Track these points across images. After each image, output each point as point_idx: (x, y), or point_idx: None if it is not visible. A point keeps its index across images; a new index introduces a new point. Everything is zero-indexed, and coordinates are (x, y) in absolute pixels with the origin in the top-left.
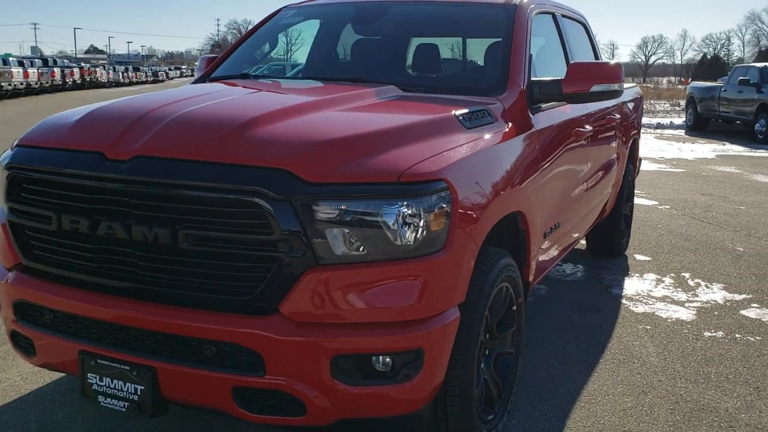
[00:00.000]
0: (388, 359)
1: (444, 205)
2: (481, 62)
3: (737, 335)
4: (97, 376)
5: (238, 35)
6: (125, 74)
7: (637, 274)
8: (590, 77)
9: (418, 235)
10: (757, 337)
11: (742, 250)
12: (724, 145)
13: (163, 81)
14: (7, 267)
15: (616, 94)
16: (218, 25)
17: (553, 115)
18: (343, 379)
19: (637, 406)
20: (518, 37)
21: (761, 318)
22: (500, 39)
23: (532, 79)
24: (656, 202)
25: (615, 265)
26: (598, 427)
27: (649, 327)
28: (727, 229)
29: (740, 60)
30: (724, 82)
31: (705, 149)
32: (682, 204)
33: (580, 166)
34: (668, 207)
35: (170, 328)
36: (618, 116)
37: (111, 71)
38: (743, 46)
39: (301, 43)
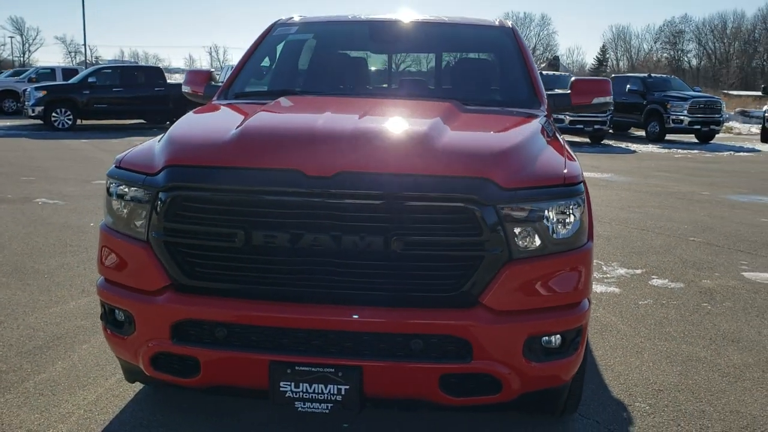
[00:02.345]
0: (561, 337)
1: (584, 203)
2: (505, 79)
3: (663, 301)
4: (292, 384)
5: (21, 37)
6: None
7: None
8: (590, 91)
9: (577, 229)
10: (676, 301)
11: (606, 234)
12: None
13: None
14: (151, 290)
15: (608, 105)
16: None
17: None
18: (532, 357)
19: (644, 363)
20: (526, 56)
21: (667, 286)
22: (511, 58)
23: (548, 93)
24: None
25: None
26: (632, 382)
27: (595, 301)
28: None
29: None
30: None
31: None
32: None
33: None
34: None
35: (380, 327)
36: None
37: None
38: None
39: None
